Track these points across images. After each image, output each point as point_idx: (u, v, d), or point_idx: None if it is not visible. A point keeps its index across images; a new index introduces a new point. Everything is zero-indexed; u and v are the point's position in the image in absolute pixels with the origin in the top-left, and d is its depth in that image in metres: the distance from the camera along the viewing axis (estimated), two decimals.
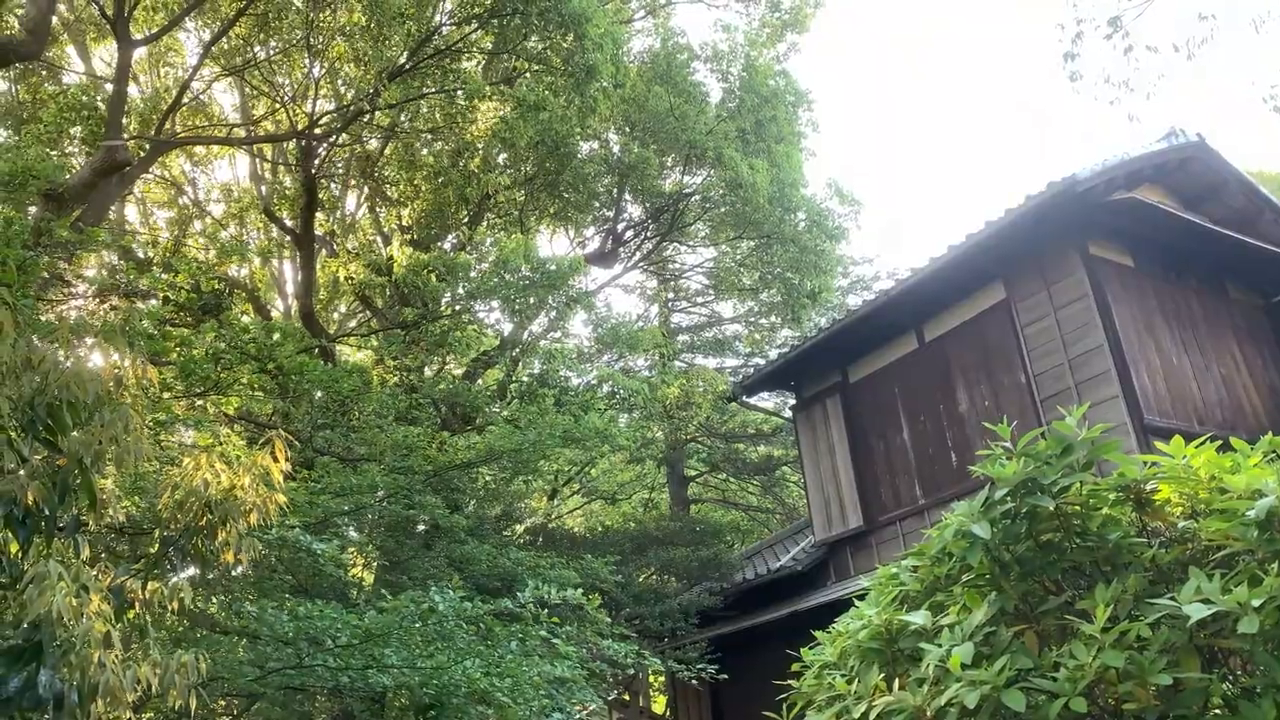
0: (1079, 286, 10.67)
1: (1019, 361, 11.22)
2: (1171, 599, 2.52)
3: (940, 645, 2.82)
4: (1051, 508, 2.93)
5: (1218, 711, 2.59)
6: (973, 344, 11.95)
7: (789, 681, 3.61)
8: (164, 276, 10.73)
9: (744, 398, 16.34)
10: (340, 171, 18.19)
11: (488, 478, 12.87)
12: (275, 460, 5.53)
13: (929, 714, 2.70)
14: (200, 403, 8.38)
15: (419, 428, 10.00)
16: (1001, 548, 2.99)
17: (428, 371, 15.17)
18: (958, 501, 10.78)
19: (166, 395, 7.44)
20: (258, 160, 17.50)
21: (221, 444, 6.63)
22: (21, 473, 4.10)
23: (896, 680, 2.95)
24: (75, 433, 4.36)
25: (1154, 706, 2.51)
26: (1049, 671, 2.62)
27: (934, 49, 59.11)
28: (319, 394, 10.43)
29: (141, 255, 16.52)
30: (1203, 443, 3.02)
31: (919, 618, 3.02)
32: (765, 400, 20.90)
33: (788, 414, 18.77)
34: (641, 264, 20.19)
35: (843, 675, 3.22)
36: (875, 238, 51.39)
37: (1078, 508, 3.02)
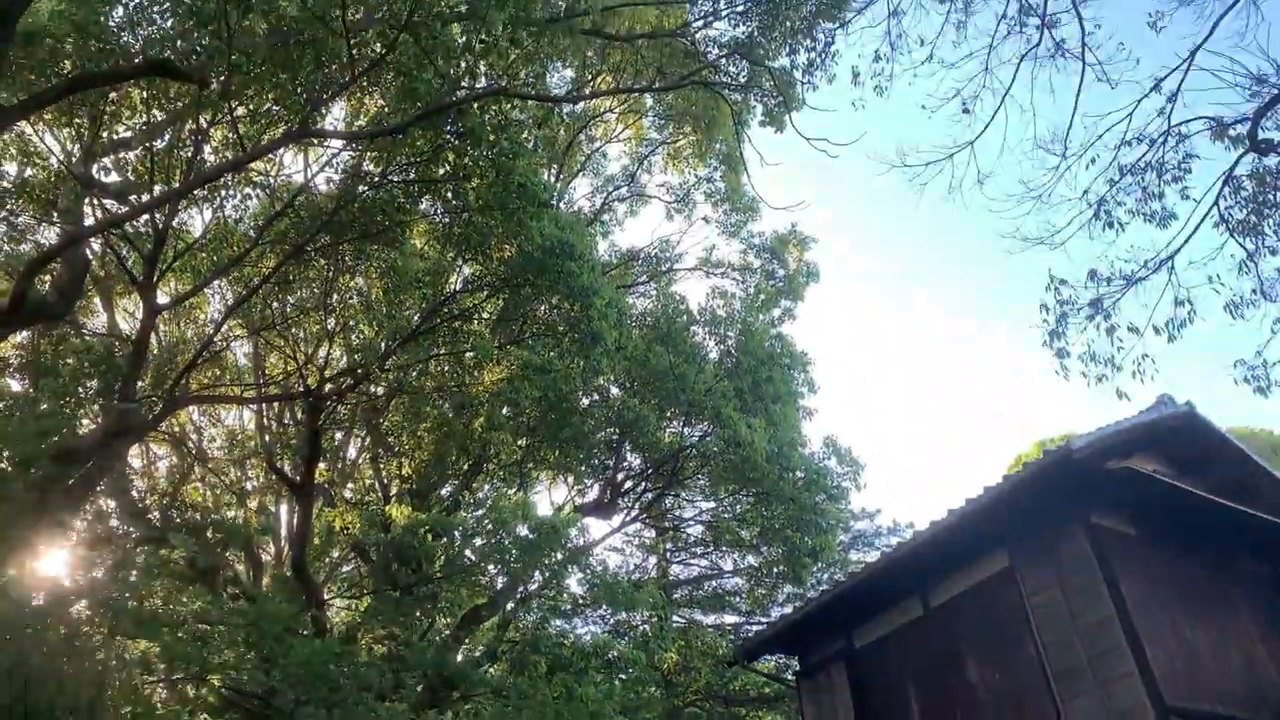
0: (1083, 558, 10.52)
1: (1028, 633, 10.86)
2: None
3: None
4: None
5: None
6: (979, 612, 11.63)
7: None
8: (161, 553, 10.67)
9: (746, 662, 15.71)
10: (345, 419, 18.50)
11: None
12: None
13: None
14: (183, 678, 8.08)
15: (403, 704, 9.56)
16: None
17: (417, 626, 14.70)
18: None
19: (149, 679, 7.17)
20: (264, 411, 17.85)
21: None
22: None
23: None
24: None
25: None
26: None
27: (931, 306, 61.92)
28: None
29: (140, 497, 16.47)
30: None
31: None
32: (769, 659, 20.11)
33: (791, 676, 17.99)
34: (641, 516, 20.11)
35: None
36: (878, 490, 51.59)
37: None
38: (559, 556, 12.95)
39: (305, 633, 10.29)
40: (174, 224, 13.29)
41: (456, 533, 12.58)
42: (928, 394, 62.05)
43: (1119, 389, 10.12)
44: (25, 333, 17.04)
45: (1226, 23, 9.21)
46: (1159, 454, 12.55)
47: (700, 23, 14.72)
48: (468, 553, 13.18)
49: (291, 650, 8.28)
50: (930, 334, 61.83)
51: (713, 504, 20.56)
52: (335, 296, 15.43)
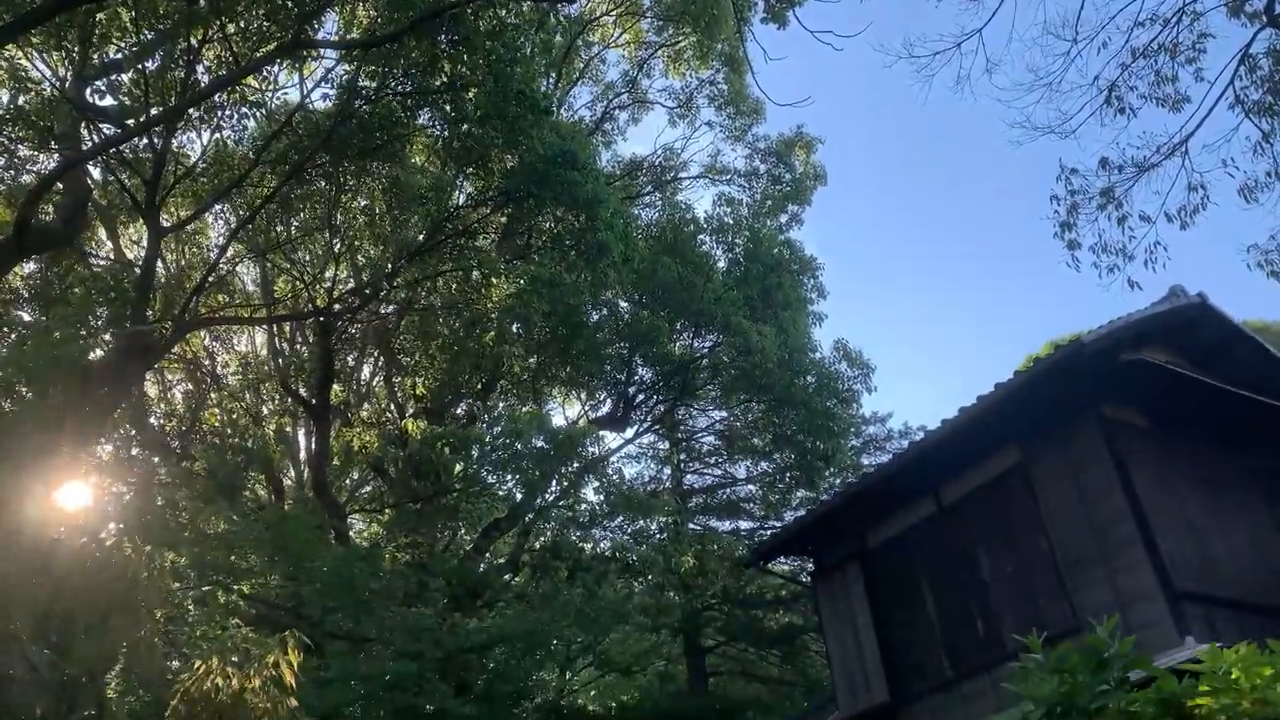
0: (1095, 450, 10.53)
1: (1039, 527, 10.96)
2: None
3: None
4: None
5: None
6: (991, 508, 11.72)
7: None
8: (183, 465, 10.83)
9: (761, 564, 15.97)
10: (356, 341, 18.57)
11: (499, 654, 12.49)
12: (286, 655, 5.41)
13: None
14: (210, 587, 8.29)
15: (428, 608, 9.80)
16: None
17: (439, 540, 14.98)
18: (986, 674, 10.07)
19: (178, 586, 7.36)
20: (276, 334, 17.91)
21: (231, 635, 6.50)
22: (30, 683, 4.04)
23: None
24: (86, 639, 4.31)
25: None
26: None
27: (939, 204, 61.21)
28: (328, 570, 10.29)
29: (159, 424, 16.67)
30: (1239, 649, 2.94)
31: None
32: (784, 563, 20.46)
33: (806, 578, 18.31)
34: (654, 428, 20.27)
35: None
36: (889, 393, 51.64)
37: None
38: (575, 466, 13.09)
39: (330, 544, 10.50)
40: (173, 147, 13.16)
41: (474, 447, 12.71)
42: (938, 295, 61.77)
43: (1130, 279, 10.03)
44: (33, 264, 17.07)
45: None
46: (1172, 347, 12.42)
47: None
48: (485, 466, 13.33)
49: (318, 553, 8.47)
50: (939, 233, 61.30)
51: (725, 413, 20.68)
52: (339, 216, 15.33)
